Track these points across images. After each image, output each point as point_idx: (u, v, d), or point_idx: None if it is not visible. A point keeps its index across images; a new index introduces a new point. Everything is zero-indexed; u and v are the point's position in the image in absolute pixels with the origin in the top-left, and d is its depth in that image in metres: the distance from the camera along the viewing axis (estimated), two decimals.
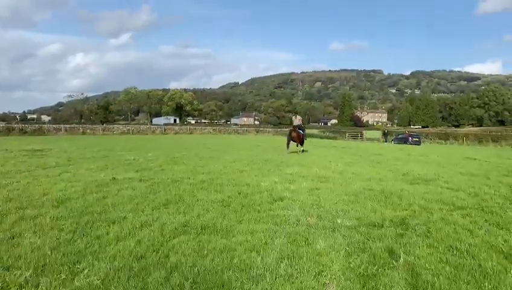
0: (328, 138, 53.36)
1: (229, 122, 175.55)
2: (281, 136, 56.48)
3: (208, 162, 13.88)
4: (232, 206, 6.77)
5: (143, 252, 4.44)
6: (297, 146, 19.65)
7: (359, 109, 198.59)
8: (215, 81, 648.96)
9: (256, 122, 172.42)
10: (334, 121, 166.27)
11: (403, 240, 5.09)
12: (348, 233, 5.32)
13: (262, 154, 17.96)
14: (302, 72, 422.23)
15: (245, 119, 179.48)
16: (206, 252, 4.49)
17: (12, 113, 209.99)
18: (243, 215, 6.17)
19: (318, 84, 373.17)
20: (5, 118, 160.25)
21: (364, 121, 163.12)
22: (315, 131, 67.96)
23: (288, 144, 19.43)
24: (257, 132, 68.08)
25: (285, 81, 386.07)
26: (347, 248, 4.74)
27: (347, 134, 64.74)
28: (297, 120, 20.60)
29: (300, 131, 19.86)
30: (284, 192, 8.11)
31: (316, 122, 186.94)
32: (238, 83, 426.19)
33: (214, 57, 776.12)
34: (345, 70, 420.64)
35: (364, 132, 69.99)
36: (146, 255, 4.36)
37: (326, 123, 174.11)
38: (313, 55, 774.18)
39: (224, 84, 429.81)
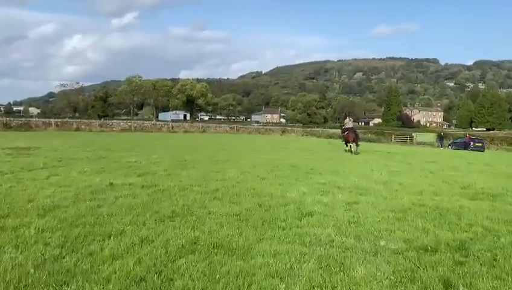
0: (369, 140, 52.82)
1: (249, 120, 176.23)
2: (312, 137, 56.23)
3: (223, 167, 13.91)
4: (251, 221, 6.72)
5: (143, 273, 4.43)
6: (355, 145, 24.92)
7: (409, 106, 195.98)
8: (234, 71, 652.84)
9: (282, 120, 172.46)
10: (378, 120, 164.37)
11: (462, 269, 4.92)
12: (393, 258, 5.19)
13: (288, 159, 17.89)
14: (339, 61, 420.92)
15: (268, 116, 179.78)
16: (218, 276, 4.45)
17: None
18: (263, 232, 6.11)
19: (358, 75, 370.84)
20: None
21: (415, 120, 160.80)
22: None
23: (346, 143, 25.73)
24: (283, 131, 67.99)
25: (318, 71, 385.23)
26: (392, 277, 4.62)
27: (393, 136, 64.00)
28: (350, 123, 27.19)
29: (345, 133, 25.69)
30: (315, 206, 8.02)
31: (355, 121, 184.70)
32: (261, 72, 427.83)
33: (233, 41, 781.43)
34: (392, 58, 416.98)
35: (414, 134, 69.04)
36: (147, 278, 4.34)
37: (367, 123, 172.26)
38: (352, 41, 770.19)
39: (245, 73, 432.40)
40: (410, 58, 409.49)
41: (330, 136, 56.99)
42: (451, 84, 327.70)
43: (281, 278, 4.49)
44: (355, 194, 9.50)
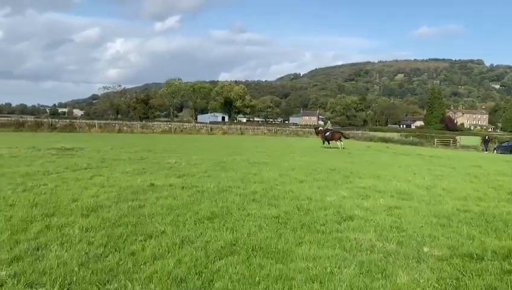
0: (411, 143, 51.67)
1: (287, 122, 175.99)
2: (351, 139, 55.57)
3: (261, 169, 13.93)
4: (290, 224, 6.70)
5: (183, 274, 4.49)
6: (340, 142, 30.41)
7: (452, 108, 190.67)
8: (273, 72, 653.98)
9: (321, 123, 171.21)
10: (420, 122, 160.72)
11: (510, 278, 4.74)
12: (437, 265, 5.06)
13: (327, 162, 17.74)
14: (379, 62, 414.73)
15: (307, 118, 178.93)
16: (258, 279, 4.45)
17: (42, 106, 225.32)
18: (303, 236, 6.08)
19: (400, 76, 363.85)
20: (34, 111, 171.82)
21: (459, 123, 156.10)
22: (395, 135, 65.96)
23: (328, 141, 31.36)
24: None
25: (358, 72, 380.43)
26: (436, 285, 4.49)
27: (436, 140, 62.32)
28: (330, 126, 35.16)
29: (327, 133, 31.48)
30: (355, 210, 7.91)
31: (396, 123, 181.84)
32: (300, 74, 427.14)
33: (272, 43, 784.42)
34: (435, 60, 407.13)
35: (458, 137, 67.01)
36: (187, 279, 4.40)
37: (409, 125, 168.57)
38: (394, 41, 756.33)
39: (283, 75, 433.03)
40: (453, 59, 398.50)
41: (370, 139, 56.10)
42: (497, 86, 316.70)
43: (321, 282, 4.44)
44: (397, 199, 9.31)
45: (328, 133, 31.61)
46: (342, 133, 32.49)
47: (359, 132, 75.60)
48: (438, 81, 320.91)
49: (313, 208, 7.95)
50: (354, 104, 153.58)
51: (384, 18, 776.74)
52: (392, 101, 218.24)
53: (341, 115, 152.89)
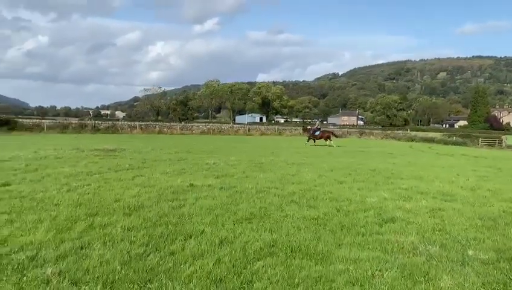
0: (454, 143, 50.15)
1: (325, 122, 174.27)
2: (392, 140, 54.57)
3: (300, 169, 13.87)
4: (329, 225, 6.64)
5: (223, 274, 4.52)
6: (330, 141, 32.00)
7: (497, 107, 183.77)
8: (310, 73, 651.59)
9: (360, 123, 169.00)
10: (463, 122, 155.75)
11: None
12: (482, 269, 4.90)
13: (367, 162, 17.48)
14: (420, 60, 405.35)
15: (345, 118, 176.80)
16: (297, 281, 4.43)
17: (86, 108, 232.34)
18: (342, 238, 6.02)
19: (442, 74, 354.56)
20: (78, 113, 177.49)
21: (504, 123, 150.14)
22: (437, 135, 64.20)
23: (311, 140, 32.86)
24: (361, 134, 66.49)
25: (398, 71, 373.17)
26: (482, 289, 4.35)
27: (480, 139, 60.28)
28: (319, 124, 36.95)
29: (317, 132, 32.99)
30: (397, 211, 7.77)
31: (438, 123, 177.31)
32: (338, 74, 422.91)
33: (310, 43, 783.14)
34: (479, 57, 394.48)
35: (504, 137, 64.54)
36: (226, 279, 4.43)
37: (452, 125, 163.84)
38: (436, 39, 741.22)
39: (321, 75, 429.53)
40: (499, 56, 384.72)
41: (412, 139, 54.86)
42: None
43: (361, 285, 4.38)
44: (440, 201, 9.08)
45: (318, 132, 33.08)
46: (332, 133, 34.72)
47: (400, 132, 74.07)
48: (482, 79, 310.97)
49: (353, 209, 7.86)
50: (395, 103, 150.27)
51: (425, 16, 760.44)
52: (434, 100, 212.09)
53: (381, 114, 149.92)
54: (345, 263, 4.99)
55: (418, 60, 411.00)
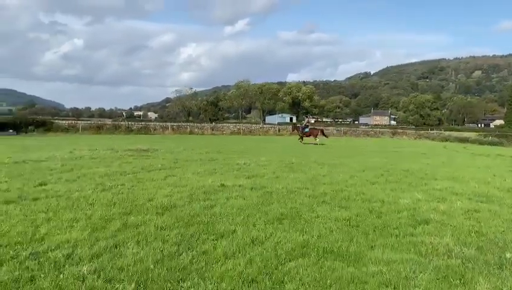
0: (490, 143, 48.76)
1: (356, 122, 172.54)
2: (426, 140, 53.57)
3: (331, 170, 13.78)
4: (362, 227, 6.58)
5: (254, 274, 4.54)
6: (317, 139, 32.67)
7: None
8: (341, 72, 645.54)
9: (393, 122, 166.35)
10: (499, 121, 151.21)
11: None
12: None
13: (400, 163, 17.22)
14: (455, 59, 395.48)
15: (377, 118, 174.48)
16: (329, 282, 4.40)
17: (119, 109, 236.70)
18: (375, 239, 5.95)
19: (477, 73, 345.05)
20: (112, 114, 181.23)
21: None
22: (472, 134, 62.57)
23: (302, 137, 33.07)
24: (393, 134, 65.55)
25: (432, 70, 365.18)
26: None
27: None
28: (305, 121, 36.33)
29: (306, 130, 33.48)
30: (431, 213, 7.63)
31: (473, 122, 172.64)
32: (370, 73, 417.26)
33: (341, 42, 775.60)
34: None
35: None
36: (257, 279, 4.44)
37: (488, 124, 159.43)
38: (471, 37, 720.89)
39: (352, 75, 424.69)
40: None
41: (446, 139, 53.68)
42: None
43: (394, 287, 4.33)
44: (476, 202, 8.87)
45: (307, 130, 33.61)
46: (321, 131, 35.16)
47: (434, 131, 72.55)
48: None
49: (385, 211, 7.76)
50: (428, 102, 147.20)
51: (460, 13, 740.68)
52: (468, 99, 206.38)
53: (414, 114, 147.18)
54: (378, 264, 4.93)
55: (452, 58, 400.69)
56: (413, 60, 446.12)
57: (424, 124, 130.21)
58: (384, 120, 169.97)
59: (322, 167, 14.77)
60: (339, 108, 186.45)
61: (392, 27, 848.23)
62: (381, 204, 8.35)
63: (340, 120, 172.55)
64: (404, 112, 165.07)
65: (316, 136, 32.93)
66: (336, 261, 5.03)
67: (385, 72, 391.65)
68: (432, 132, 71.75)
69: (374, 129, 75.92)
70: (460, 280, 4.55)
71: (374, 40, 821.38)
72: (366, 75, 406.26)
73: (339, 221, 6.87)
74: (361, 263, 5.00)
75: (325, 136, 35.24)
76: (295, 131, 35.36)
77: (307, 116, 41.26)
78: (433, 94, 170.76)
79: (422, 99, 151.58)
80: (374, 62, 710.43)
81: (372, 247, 5.60)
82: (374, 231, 6.37)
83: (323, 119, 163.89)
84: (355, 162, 17.09)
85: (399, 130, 72.86)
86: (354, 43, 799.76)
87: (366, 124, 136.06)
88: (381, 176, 12.52)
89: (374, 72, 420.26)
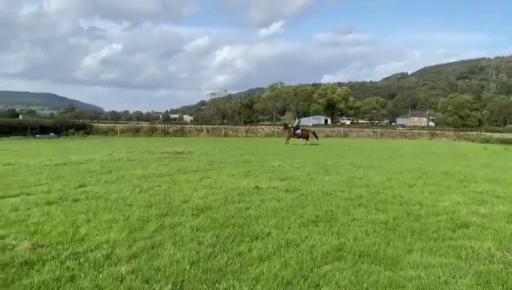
0: None
1: (393, 123, 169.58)
2: (465, 141, 52.17)
3: (367, 172, 13.60)
4: (399, 230, 6.46)
5: (289, 277, 4.53)
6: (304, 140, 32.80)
7: None
8: (378, 73, 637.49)
9: (431, 124, 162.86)
10: None
11: None
12: None
13: (439, 165, 16.82)
14: (496, 58, 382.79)
15: (415, 119, 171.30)
16: (366, 285, 4.34)
17: (156, 112, 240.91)
18: (413, 243, 5.83)
19: None
20: (149, 117, 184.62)
21: None
22: None
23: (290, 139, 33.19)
24: (432, 135, 64.05)
25: (472, 69, 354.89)
26: None
27: None
28: (295, 122, 35.86)
29: (298, 131, 33.37)
30: (471, 216, 7.42)
31: None
32: (407, 73, 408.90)
33: (377, 43, 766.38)
34: None
35: None
36: (293, 282, 4.43)
37: None
38: None
39: (389, 75, 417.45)
40: None
41: (486, 141, 52.04)
42: None
43: None
44: None
45: (299, 131, 33.57)
46: (313, 132, 35.22)
47: (474, 132, 70.46)
48: None
49: (424, 213, 7.60)
50: (468, 103, 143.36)
51: (500, 12, 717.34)
52: (510, 99, 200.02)
53: (453, 115, 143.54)
54: (416, 269, 4.83)
55: (493, 57, 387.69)
56: (452, 60, 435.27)
57: (464, 125, 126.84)
58: (422, 121, 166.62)
59: (357, 169, 14.59)
60: (375, 109, 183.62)
61: (430, 26, 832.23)
62: (419, 207, 8.18)
63: (376, 121, 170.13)
64: (443, 113, 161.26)
65: (307, 137, 33.03)
66: (373, 264, 4.96)
67: (423, 72, 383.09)
68: (471, 133, 69.68)
69: (412, 131, 74.37)
70: (502, 285, 4.41)
71: (412, 40, 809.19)
72: (403, 75, 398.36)
73: (375, 224, 6.77)
74: (399, 266, 4.92)
75: (316, 138, 34.96)
76: (286, 131, 35.12)
77: (298, 117, 40.16)
78: (472, 94, 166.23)
79: (462, 99, 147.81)
80: (412, 62, 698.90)
81: (410, 251, 5.49)
82: (412, 234, 6.25)
83: (359, 121, 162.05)
84: (392, 164, 16.81)
85: (437, 132, 71.18)
86: (391, 43, 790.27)
87: (403, 126, 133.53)
88: (419, 179, 12.27)
89: (412, 72, 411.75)
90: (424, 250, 5.51)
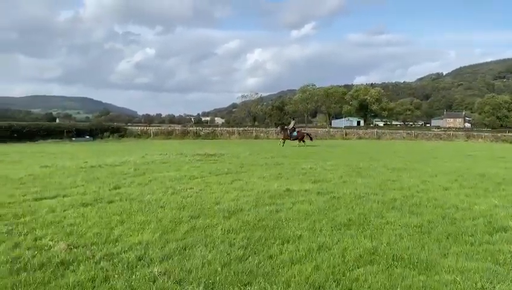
0: None
1: (428, 125, 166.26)
2: (503, 143, 50.66)
3: (401, 175, 13.38)
4: (434, 234, 6.33)
5: (321, 280, 4.50)
6: (299, 142, 32.85)
7: None
8: (412, 73, 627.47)
9: (467, 125, 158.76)
10: None
11: None
12: None
13: (475, 167, 16.39)
14: None
15: (450, 120, 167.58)
16: None
17: (188, 115, 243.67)
18: (448, 247, 5.71)
19: None
20: (181, 120, 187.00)
21: None
22: None
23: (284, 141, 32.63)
24: (468, 137, 62.50)
25: (510, 69, 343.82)
26: None
27: None
28: (291, 124, 35.33)
29: (294, 133, 33.08)
30: (509, 220, 7.22)
31: None
32: (442, 74, 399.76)
33: (412, 43, 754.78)
34: None
35: None
36: (325, 285, 4.40)
37: None
38: None
39: (423, 76, 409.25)
40: None
41: None
42: None
43: None
44: None
45: (295, 133, 33.38)
46: (308, 134, 35.10)
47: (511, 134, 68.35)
48: None
49: (460, 217, 7.43)
50: (506, 104, 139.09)
51: None
52: None
53: (490, 116, 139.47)
54: (452, 273, 4.72)
55: None
56: (489, 59, 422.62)
57: (502, 126, 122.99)
58: (457, 122, 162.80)
59: (391, 171, 14.37)
60: (409, 110, 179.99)
61: (467, 26, 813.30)
62: (455, 210, 7.99)
63: (410, 123, 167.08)
64: (480, 114, 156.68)
65: (302, 139, 33.09)
66: (407, 268, 4.87)
67: (458, 72, 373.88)
68: (510, 134, 67.46)
69: (447, 132, 72.72)
70: None
71: (447, 40, 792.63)
72: (438, 76, 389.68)
73: (409, 227, 6.66)
74: (434, 271, 4.81)
75: (311, 139, 34.77)
76: (282, 133, 34.27)
77: (293, 119, 39.62)
78: (511, 95, 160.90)
79: (499, 100, 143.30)
80: (447, 62, 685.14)
81: (445, 255, 5.37)
82: (447, 238, 6.11)
83: (393, 122, 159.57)
84: (427, 166, 16.48)
85: (474, 133, 69.39)
86: (426, 43, 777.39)
87: (438, 127, 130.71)
88: (455, 181, 11.98)
89: (447, 72, 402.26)
90: (460, 254, 5.38)
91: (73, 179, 11.45)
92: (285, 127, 35.30)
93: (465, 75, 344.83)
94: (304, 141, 33.01)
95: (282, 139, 32.95)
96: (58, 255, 5.12)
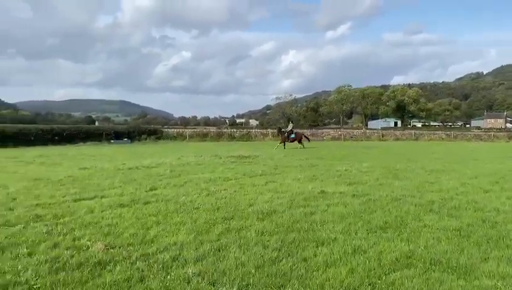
0: None
1: (468, 125, 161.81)
2: None
3: (439, 177, 13.07)
4: (473, 237, 6.15)
5: (356, 284, 4.44)
6: (298, 143, 32.44)
7: None
8: (451, 73, 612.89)
9: (509, 125, 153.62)
10: None
11: None
12: None
13: None
14: None
15: (491, 121, 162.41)
16: None
17: (223, 117, 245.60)
18: (489, 251, 5.54)
19: None
20: (216, 122, 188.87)
21: None
22: None
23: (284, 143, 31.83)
24: (509, 138, 60.40)
25: None
26: None
27: None
28: (289, 127, 34.58)
29: (292, 135, 32.68)
30: None
31: None
32: (483, 73, 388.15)
33: (451, 42, 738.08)
34: None
35: None
36: (360, 289, 4.34)
37: None
38: None
39: (462, 75, 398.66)
40: None
41: None
42: None
43: None
44: None
45: (293, 135, 32.86)
46: (304, 135, 34.92)
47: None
48: None
49: (501, 220, 7.19)
50: None
51: None
52: None
53: None
54: (492, 278, 4.58)
55: None
56: None
57: None
58: (499, 123, 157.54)
59: (429, 173, 14.06)
60: (448, 111, 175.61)
61: (508, 24, 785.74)
62: (496, 213, 7.74)
63: (449, 124, 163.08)
64: None
65: (299, 141, 32.73)
66: (445, 273, 4.75)
67: (500, 72, 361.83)
68: None
69: (488, 133, 70.49)
70: None
71: (487, 38, 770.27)
72: (478, 75, 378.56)
73: (448, 231, 6.49)
74: (473, 276, 4.68)
75: (308, 140, 34.79)
76: (279, 135, 33.76)
77: (291, 122, 38.67)
78: None
79: None
80: (488, 61, 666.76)
81: (485, 259, 5.21)
82: (488, 242, 5.92)
83: (431, 123, 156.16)
84: (466, 168, 16.03)
85: None
86: (466, 42, 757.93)
87: (478, 128, 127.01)
88: (496, 184, 11.61)
89: (487, 71, 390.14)
90: (501, 259, 5.21)
91: (111, 180, 11.73)
92: (283, 129, 35.21)
93: (507, 74, 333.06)
94: (302, 143, 32.68)
95: (280, 142, 32.45)
96: (95, 255, 5.26)
